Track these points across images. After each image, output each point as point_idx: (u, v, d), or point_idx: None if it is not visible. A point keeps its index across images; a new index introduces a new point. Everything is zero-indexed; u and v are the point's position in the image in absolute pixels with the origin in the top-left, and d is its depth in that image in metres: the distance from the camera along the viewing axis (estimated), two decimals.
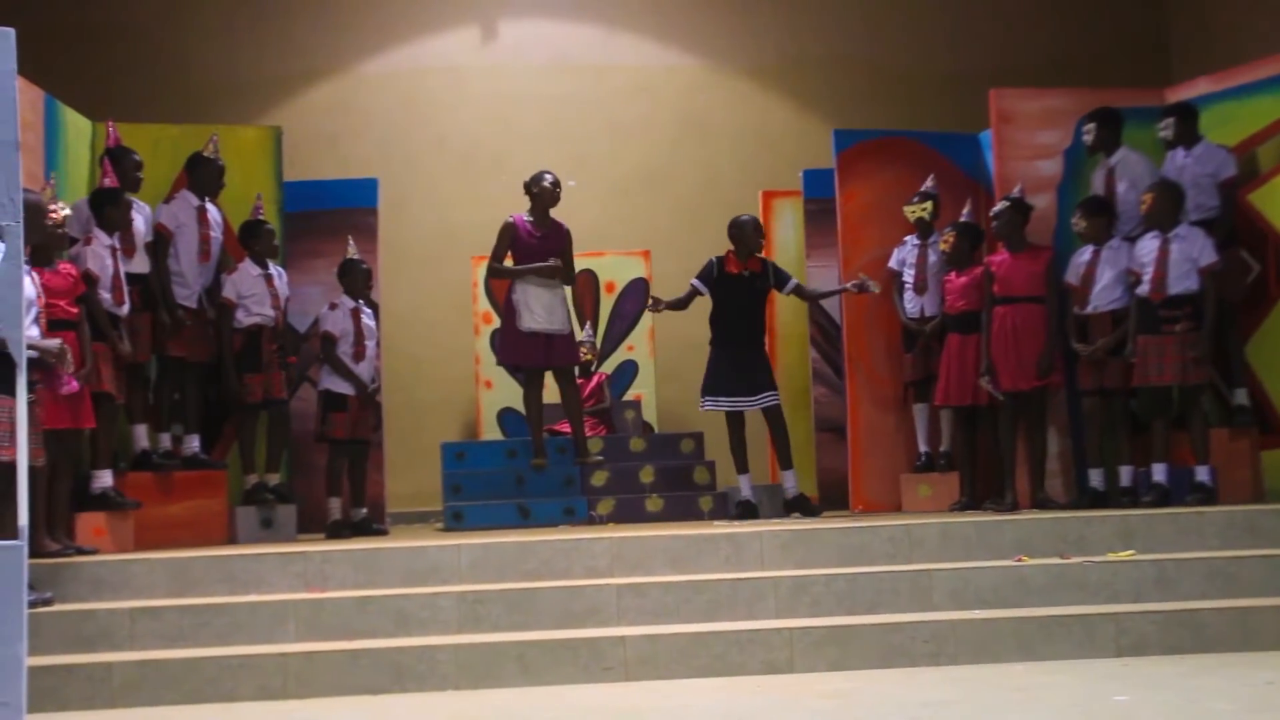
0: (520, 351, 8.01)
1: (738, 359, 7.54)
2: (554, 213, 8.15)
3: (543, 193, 8.07)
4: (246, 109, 10.19)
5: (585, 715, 4.73)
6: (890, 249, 8.11)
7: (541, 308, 7.96)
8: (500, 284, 8.83)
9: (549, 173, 8.17)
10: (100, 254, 6.79)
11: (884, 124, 9.27)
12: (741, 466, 7.61)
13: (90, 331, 6.58)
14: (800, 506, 7.50)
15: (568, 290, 8.35)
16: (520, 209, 8.18)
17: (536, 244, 8.04)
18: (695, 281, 7.69)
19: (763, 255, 7.79)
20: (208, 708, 5.15)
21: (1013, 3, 10.97)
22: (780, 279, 7.71)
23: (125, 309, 6.96)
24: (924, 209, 7.94)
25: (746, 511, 7.52)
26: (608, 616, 5.73)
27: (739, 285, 7.59)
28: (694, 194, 10.64)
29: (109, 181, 7.04)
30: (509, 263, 8.08)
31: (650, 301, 7.81)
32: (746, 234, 7.64)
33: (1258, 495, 7.13)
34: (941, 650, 5.46)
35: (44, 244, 6.23)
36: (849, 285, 7.70)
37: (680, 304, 7.77)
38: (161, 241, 7.40)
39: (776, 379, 7.76)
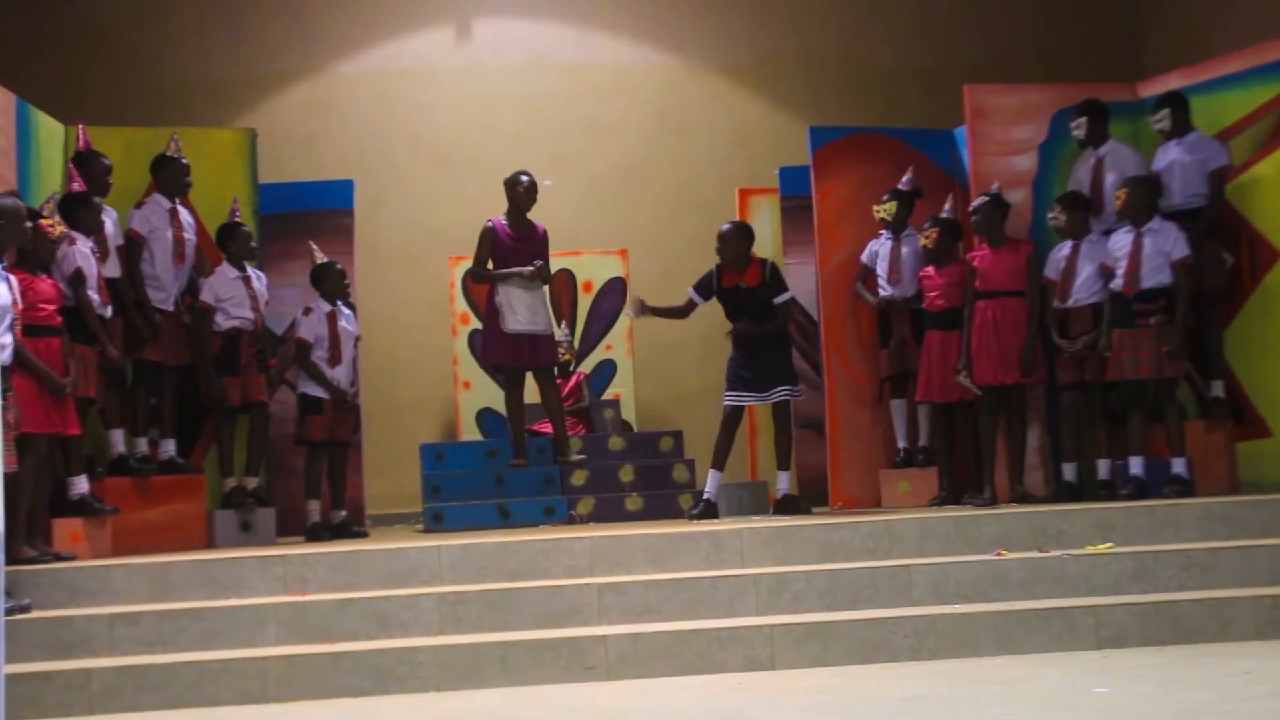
0: (505, 353, 8.06)
1: (752, 357, 7.38)
2: (531, 213, 8.17)
3: (517, 195, 8.11)
4: (221, 111, 10.13)
5: (568, 715, 4.73)
6: (866, 245, 8.13)
7: (525, 309, 8.02)
8: (479, 287, 8.84)
9: (526, 173, 8.20)
10: (85, 254, 6.75)
11: (859, 120, 9.27)
12: (719, 463, 7.46)
13: (79, 334, 6.55)
14: (790, 507, 7.36)
15: (545, 290, 8.36)
16: (498, 209, 8.18)
17: (515, 245, 8.08)
18: (690, 291, 7.58)
19: (763, 258, 7.53)
20: (188, 713, 5.13)
21: None
22: (777, 289, 7.42)
23: (109, 311, 6.93)
24: (886, 210, 7.94)
25: (707, 511, 7.37)
26: (589, 616, 5.72)
27: (738, 297, 7.46)
28: (671, 192, 10.64)
29: (76, 186, 7.01)
30: (491, 266, 8.10)
31: (637, 305, 7.54)
32: (729, 244, 7.45)
33: (1233, 487, 7.18)
34: (922, 645, 5.47)
35: (32, 251, 6.22)
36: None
37: (678, 312, 7.63)
38: (134, 247, 7.35)
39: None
